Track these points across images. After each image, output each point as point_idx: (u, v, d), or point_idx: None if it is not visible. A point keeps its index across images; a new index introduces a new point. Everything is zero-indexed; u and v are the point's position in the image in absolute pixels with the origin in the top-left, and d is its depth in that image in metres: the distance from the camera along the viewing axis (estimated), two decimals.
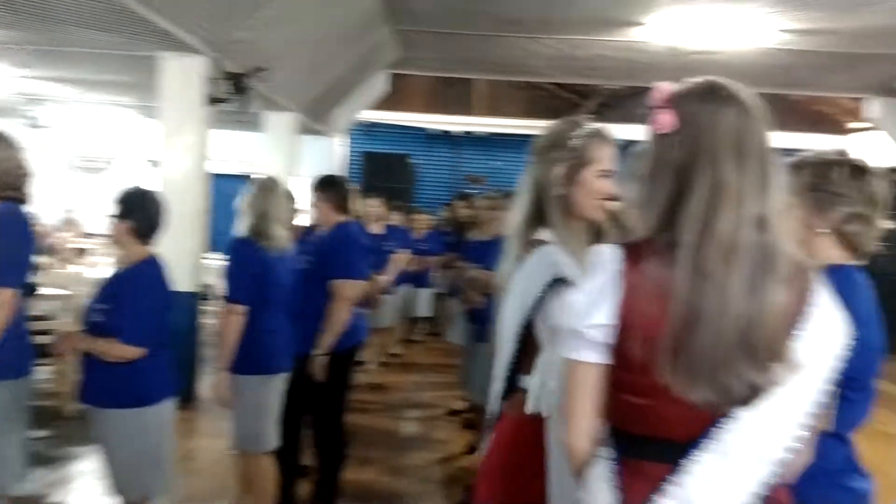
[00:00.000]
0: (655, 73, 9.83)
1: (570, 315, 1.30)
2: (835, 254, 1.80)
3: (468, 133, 13.15)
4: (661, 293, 1.22)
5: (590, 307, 1.27)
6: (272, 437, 3.42)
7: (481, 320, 4.24)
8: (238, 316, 3.27)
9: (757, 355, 1.19)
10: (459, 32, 8.39)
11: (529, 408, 1.75)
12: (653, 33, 7.86)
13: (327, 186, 3.95)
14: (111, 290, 2.74)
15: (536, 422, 1.74)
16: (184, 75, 5.69)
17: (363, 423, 5.53)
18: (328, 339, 3.66)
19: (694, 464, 1.24)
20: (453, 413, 5.92)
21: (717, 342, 1.19)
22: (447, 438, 5.37)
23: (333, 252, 3.77)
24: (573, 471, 1.36)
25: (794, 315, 1.23)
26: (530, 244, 1.85)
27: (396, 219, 8.07)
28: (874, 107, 10.31)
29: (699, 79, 1.31)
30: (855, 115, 12.40)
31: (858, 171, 1.85)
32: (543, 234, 1.87)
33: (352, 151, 12.65)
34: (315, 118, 9.30)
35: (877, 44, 7.84)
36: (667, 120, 1.27)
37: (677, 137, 1.27)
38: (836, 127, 13.35)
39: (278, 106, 8.08)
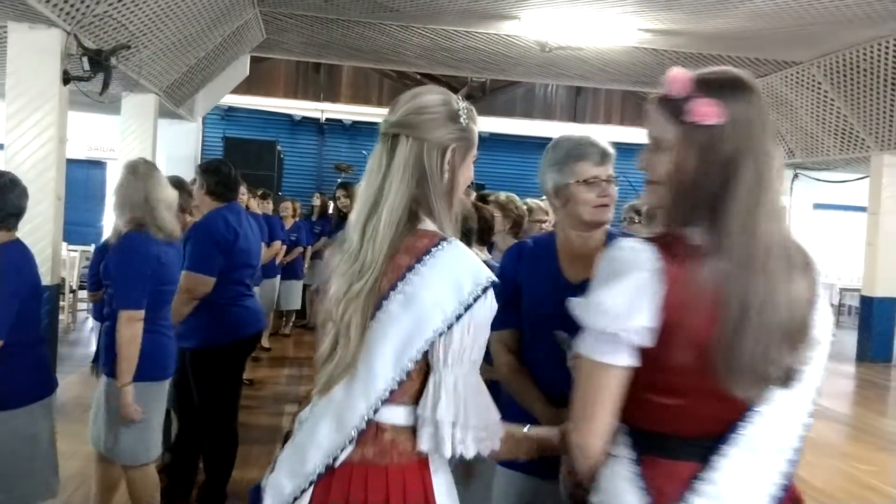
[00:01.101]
0: (523, 67, 10.13)
1: (603, 317, 1.21)
2: None
3: (335, 120, 12.93)
4: (708, 291, 1.18)
5: (629, 308, 1.19)
6: (157, 447, 3.19)
7: None
8: (139, 323, 2.95)
9: (793, 341, 1.20)
10: (329, 17, 8.21)
11: (423, 446, 1.41)
12: (525, 28, 8.02)
13: (205, 172, 3.79)
14: None
15: (420, 467, 1.44)
16: (37, 49, 5.22)
17: (242, 420, 5.32)
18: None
19: (722, 460, 1.23)
20: None
21: (763, 335, 1.18)
22: None
23: (192, 241, 3.58)
24: (585, 471, 1.33)
25: (812, 302, 1.25)
26: (419, 239, 1.45)
27: (264, 207, 7.75)
28: None
29: (719, 69, 1.28)
30: None
31: None
32: (426, 226, 1.49)
33: (212, 137, 12.12)
34: (175, 101, 8.82)
35: (726, 46, 8.38)
36: (712, 111, 1.22)
37: (723, 130, 1.22)
38: None
39: (138, 87, 7.57)
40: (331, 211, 10.53)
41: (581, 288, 1.35)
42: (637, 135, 13.17)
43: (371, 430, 1.41)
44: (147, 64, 6.86)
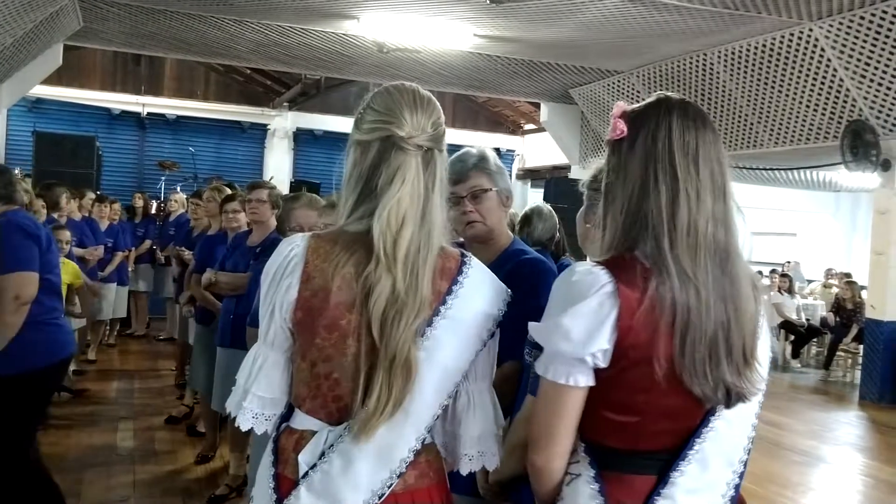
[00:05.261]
0: (359, 66, 10.07)
1: (567, 342, 1.22)
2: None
3: (157, 115, 12.22)
4: (657, 310, 1.22)
5: (591, 332, 1.21)
6: None
7: (225, 324, 3.97)
8: None
9: (734, 357, 1.24)
10: (155, 7, 7.73)
11: (465, 469, 1.39)
12: (364, 28, 7.96)
13: None
14: None
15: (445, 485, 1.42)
16: None
17: (72, 441, 4.91)
18: None
19: (678, 474, 1.26)
20: (172, 420, 5.49)
21: (701, 351, 1.22)
22: (172, 449, 4.96)
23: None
24: (545, 494, 1.32)
25: (756, 319, 1.30)
26: (446, 259, 1.39)
27: (77, 208, 7.09)
28: (546, 111, 11.57)
29: (651, 96, 1.33)
30: (530, 118, 13.80)
31: None
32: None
33: (19, 131, 11.05)
34: None
35: (556, 54, 8.78)
36: (619, 126, 1.28)
37: (629, 144, 1.28)
38: (514, 128, 14.75)
39: None
40: (154, 211, 9.96)
41: None
42: (469, 138, 13.56)
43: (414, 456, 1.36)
44: None
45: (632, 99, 10.10)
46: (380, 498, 1.32)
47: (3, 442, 3.10)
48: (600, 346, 1.22)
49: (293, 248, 1.36)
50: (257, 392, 1.40)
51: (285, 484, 1.35)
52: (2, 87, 8.69)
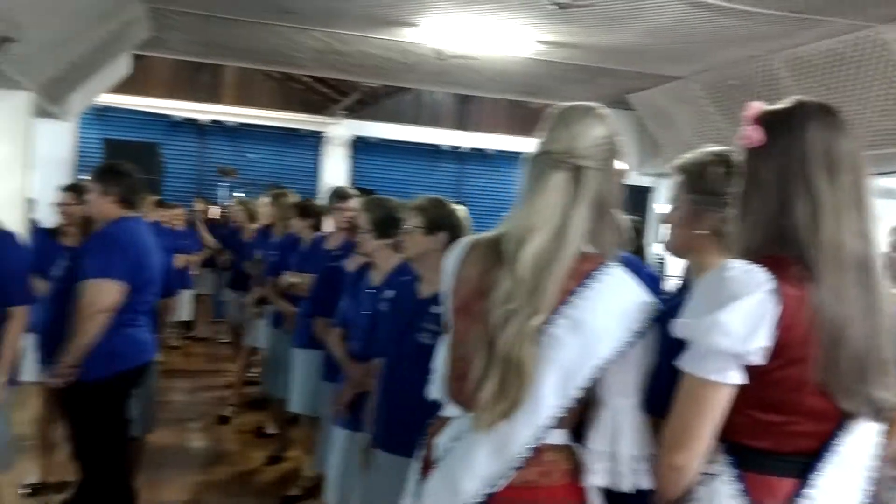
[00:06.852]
0: (416, 74, 10.15)
1: (725, 337, 1.22)
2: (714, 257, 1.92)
3: (217, 122, 12.46)
4: (811, 312, 1.21)
5: (751, 328, 1.21)
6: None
7: (303, 326, 4.03)
8: None
9: (880, 372, 1.24)
10: (220, 16, 7.89)
11: (599, 481, 1.39)
12: (423, 35, 8.00)
13: (110, 176, 3.54)
14: None
15: (578, 487, 1.44)
16: None
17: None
18: (75, 355, 3.18)
19: (819, 476, 1.26)
20: (222, 420, 5.61)
21: (850, 355, 1.21)
22: (239, 450, 5.05)
23: (95, 250, 3.32)
24: (675, 494, 1.32)
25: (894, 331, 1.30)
26: (582, 262, 1.42)
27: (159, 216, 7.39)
28: None
29: (789, 98, 1.33)
30: None
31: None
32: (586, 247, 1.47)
33: (89, 138, 11.37)
34: (52, 99, 8.23)
35: (616, 60, 8.70)
36: (755, 134, 1.28)
37: (765, 153, 1.27)
38: None
39: (12, 83, 7.03)
40: (212, 215, 10.14)
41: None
42: (524, 144, 13.53)
43: (533, 453, 1.41)
44: (25, 59, 6.37)
45: (694, 106, 10.00)
46: (494, 489, 1.36)
47: (101, 447, 3.22)
48: (760, 343, 1.23)
49: (457, 247, 1.55)
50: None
51: (426, 466, 1.48)
52: (74, 96, 8.96)
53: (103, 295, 3.17)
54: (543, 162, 1.47)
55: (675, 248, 1.89)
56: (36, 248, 4.54)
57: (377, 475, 2.71)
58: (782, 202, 1.26)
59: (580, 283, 1.38)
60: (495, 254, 1.43)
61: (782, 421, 1.27)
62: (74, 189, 4.54)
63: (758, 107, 1.34)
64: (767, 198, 1.28)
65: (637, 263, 2.20)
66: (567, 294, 1.38)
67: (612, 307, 1.37)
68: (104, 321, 3.19)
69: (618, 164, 1.53)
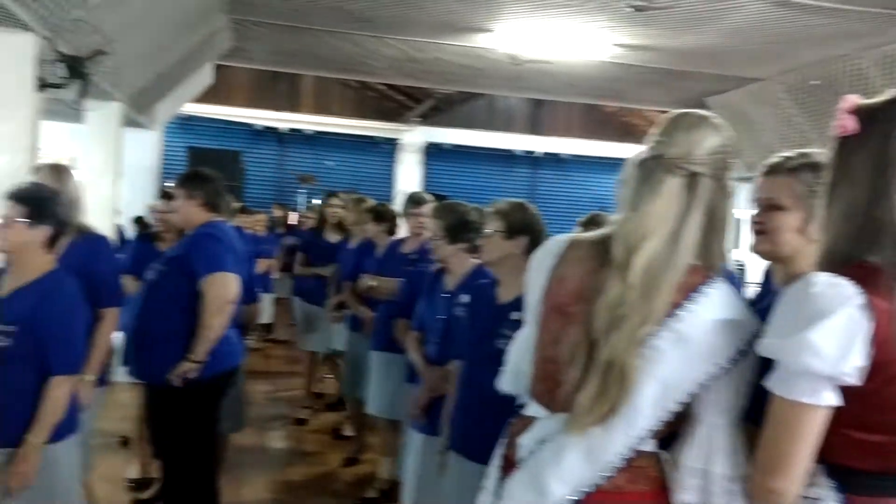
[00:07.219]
0: (490, 80, 10.16)
1: (817, 358, 1.17)
2: None
3: (295, 130, 12.75)
4: None
5: (844, 348, 1.16)
6: None
7: (381, 329, 4.09)
8: None
9: None
10: (299, 26, 8.08)
11: (689, 498, 1.35)
12: (497, 41, 8.01)
13: (194, 182, 3.65)
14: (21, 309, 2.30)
15: (664, 493, 1.41)
16: (10, 54, 4.99)
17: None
18: (203, 350, 3.26)
19: None
20: (299, 422, 5.72)
21: None
22: (319, 450, 5.14)
23: (201, 248, 3.40)
24: None
25: None
26: (690, 275, 1.39)
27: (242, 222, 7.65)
28: None
29: (887, 91, 1.29)
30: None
31: None
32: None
33: (174, 146, 11.80)
34: (139, 109, 8.58)
35: (695, 62, 8.52)
36: (849, 123, 1.24)
37: (859, 143, 1.23)
38: (644, 137, 14.43)
39: (104, 94, 7.35)
40: (291, 221, 10.37)
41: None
42: (598, 148, 13.38)
43: (624, 462, 1.39)
44: (115, 71, 6.65)
45: (775, 109, 9.70)
46: (582, 495, 1.34)
47: (193, 446, 3.34)
48: (855, 363, 1.17)
49: (552, 245, 1.53)
50: None
51: (508, 465, 1.44)
52: (160, 105, 9.31)
53: (226, 287, 3.27)
54: (656, 166, 1.43)
55: (783, 255, 1.73)
56: (134, 252, 4.72)
57: (452, 480, 2.71)
58: (875, 192, 1.20)
59: (687, 296, 1.36)
60: (601, 256, 1.40)
61: (890, 440, 1.21)
62: (170, 195, 4.70)
63: (854, 99, 1.29)
64: (858, 188, 1.21)
65: (734, 277, 2.14)
66: (674, 306, 1.35)
67: (718, 324, 1.34)
68: (231, 314, 3.29)
69: (730, 177, 1.49)
